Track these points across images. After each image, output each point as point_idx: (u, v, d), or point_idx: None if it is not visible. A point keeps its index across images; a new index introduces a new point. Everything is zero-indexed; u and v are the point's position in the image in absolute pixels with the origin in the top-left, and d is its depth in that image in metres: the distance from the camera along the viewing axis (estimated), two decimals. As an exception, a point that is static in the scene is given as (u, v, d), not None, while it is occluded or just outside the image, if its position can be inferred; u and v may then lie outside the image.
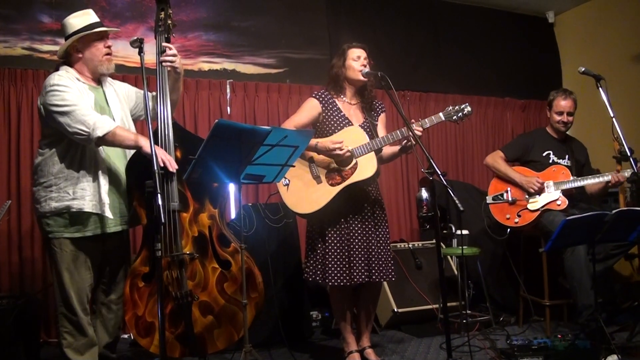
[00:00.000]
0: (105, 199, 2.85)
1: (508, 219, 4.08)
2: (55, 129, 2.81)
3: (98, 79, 3.03)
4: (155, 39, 3.06)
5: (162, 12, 3.10)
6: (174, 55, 3.00)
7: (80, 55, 2.93)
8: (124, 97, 3.15)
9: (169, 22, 3.08)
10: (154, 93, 3.08)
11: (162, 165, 2.71)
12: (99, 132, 2.70)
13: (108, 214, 2.85)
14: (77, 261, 2.87)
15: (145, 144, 2.75)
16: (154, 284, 2.90)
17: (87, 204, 2.82)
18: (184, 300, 2.85)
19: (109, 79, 3.13)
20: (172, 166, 2.77)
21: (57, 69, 2.94)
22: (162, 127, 2.91)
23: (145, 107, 2.78)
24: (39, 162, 2.91)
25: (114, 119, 2.93)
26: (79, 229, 2.86)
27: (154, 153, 2.53)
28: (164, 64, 2.97)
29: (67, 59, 2.96)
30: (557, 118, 4.18)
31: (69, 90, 2.78)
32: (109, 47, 2.97)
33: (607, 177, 3.85)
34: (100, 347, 3.02)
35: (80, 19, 2.90)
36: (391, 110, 3.99)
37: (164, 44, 3.01)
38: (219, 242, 2.96)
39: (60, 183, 2.83)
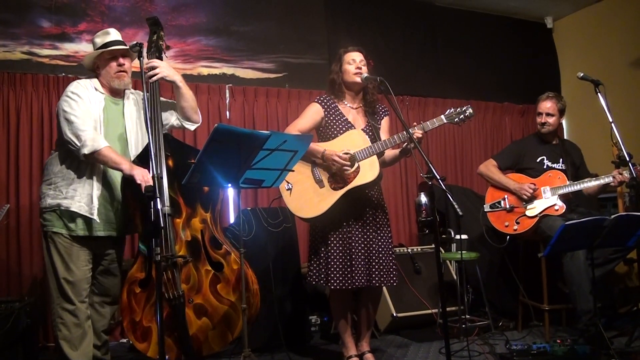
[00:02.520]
0: (95, 202, 2.98)
1: (507, 226, 4.06)
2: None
3: (119, 93, 3.17)
4: (146, 59, 3.16)
5: (155, 35, 3.23)
6: (154, 68, 3.08)
7: (99, 72, 3.13)
8: None
9: (160, 43, 3.21)
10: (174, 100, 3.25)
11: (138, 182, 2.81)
12: (85, 150, 2.86)
13: (95, 217, 2.97)
14: (71, 253, 2.97)
15: (125, 167, 2.87)
16: (150, 289, 2.94)
17: (74, 204, 2.95)
18: (177, 302, 2.87)
19: (136, 92, 3.29)
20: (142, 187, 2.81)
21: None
22: (153, 137, 2.94)
23: (145, 111, 2.81)
24: (47, 161, 3.12)
25: (126, 132, 3.11)
26: (68, 227, 2.97)
27: (153, 158, 2.56)
28: (150, 80, 3.06)
29: (95, 73, 3.16)
30: (537, 119, 4.21)
31: (79, 100, 2.95)
32: (121, 64, 3.10)
33: (608, 179, 3.83)
34: None
35: (100, 38, 3.13)
36: (392, 114, 3.99)
37: (146, 63, 3.09)
38: (210, 245, 3.00)
39: (58, 182, 2.99)
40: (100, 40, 3.11)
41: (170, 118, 3.24)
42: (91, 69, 3.16)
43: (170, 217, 2.92)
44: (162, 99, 3.27)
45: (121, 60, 3.09)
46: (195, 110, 3.25)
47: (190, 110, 3.22)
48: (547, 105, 4.17)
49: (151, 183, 2.72)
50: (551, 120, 4.17)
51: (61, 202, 2.95)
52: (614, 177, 3.77)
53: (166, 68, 3.11)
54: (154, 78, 3.06)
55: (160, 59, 3.18)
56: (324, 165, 3.31)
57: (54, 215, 2.97)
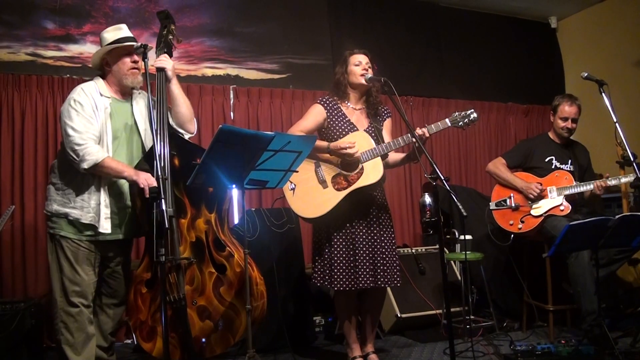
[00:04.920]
0: (104, 211, 2.93)
1: (511, 225, 4.07)
2: None
3: (127, 93, 3.11)
4: (156, 55, 3.15)
5: (165, 29, 3.19)
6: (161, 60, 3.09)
7: (109, 69, 3.05)
8: None
9: (170, 37, 3.17)
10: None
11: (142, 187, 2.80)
12: (84, 165, 2.82)
13: (103, 228, 2.92)
14: (78, 257, 2.93)
15: (128, 175, 2.85)
16: (156, 289, 2.94)
17: (84, 216, 2.91)
18: (179, 305, 2.87)
19: (143, 92, 3.20)
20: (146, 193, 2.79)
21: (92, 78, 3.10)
22: (159, 137, 2.94)
23: (149, 113, 2.80)
24: (54, 163, 3.07)
25: (139, 132, 3.08)
26: (77, 232, 2.94)
27: (156, 159, 2.56)
28: (152, 65, 3.04)
29: (102, 71, 3.09)
30: (562, 124, 4.15)
31: (81, 110, 2.88)
32: (135, 61, 3.03)
33: (589, 187, 3.88)
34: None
35: (111, 34, 3.04)
36: (396, 116, 4.00)
37: (156, 60, 3.09)
38: (214, 247, 3.00)
39: (65, 188, 2.95)
40: (111, 35, 3.02)
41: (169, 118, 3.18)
42: (98, 67, 3.08)
43: (175, 218, 2.92)
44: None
45: (135, 57, 3.01)
46: (189, 119, 3.17)
47: (183, 117, 3.13)
48: (573, 110, 4.13)
49: (155, 186, 2.74)
50: (575, 125, 4.17)
51: (70, 211, 2.91)
52: (597, 185, 3.84)
53: (169, 63, 3.08)
54: (156, 65, 3.05)
55: (170, 55, 3.15)
56: (329, 165, 3.32)
57: (64, 220, 2.92)
